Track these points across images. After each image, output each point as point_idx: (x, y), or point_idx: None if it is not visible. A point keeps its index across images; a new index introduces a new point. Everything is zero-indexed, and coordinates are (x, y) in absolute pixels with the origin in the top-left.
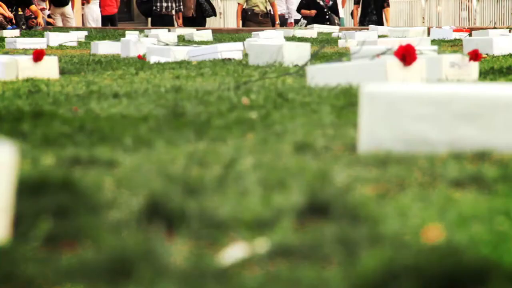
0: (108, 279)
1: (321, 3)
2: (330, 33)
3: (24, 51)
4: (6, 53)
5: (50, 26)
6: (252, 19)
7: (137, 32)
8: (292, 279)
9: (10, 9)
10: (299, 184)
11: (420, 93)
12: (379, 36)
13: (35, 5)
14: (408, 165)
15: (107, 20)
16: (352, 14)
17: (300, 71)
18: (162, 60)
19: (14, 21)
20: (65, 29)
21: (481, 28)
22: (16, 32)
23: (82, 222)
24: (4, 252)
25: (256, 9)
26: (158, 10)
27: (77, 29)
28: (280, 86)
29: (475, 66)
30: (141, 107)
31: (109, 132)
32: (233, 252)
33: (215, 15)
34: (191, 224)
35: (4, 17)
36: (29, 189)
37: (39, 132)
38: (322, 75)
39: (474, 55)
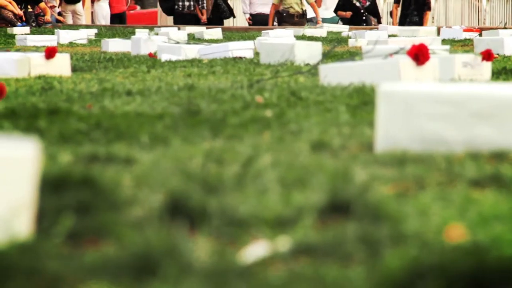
0: (132, 276)
1: (358, 4)
2: (339, 32)
3: (36, 49)
4: (18, 50)
5: (59, 23)
6: (288, 20)
7: (147, 30)
8: (316, 277)
9: (20, 6)
10: (319, 183)
11: (437, 93)
12: (389, 36)
13: (45, 3)
14: (426, 164)
15: (116, 18)
16: (391, 13)
17: (312, 69)
18: (173, 58)
19: (24, 18)
20: (75, 26)
21: (491, 28)
22: (26, 29)
23: (104, 219)
24: (28, 248)
25: (292, 10)
26: (180, 9)
27: (87, 26)
28: (293, 85)
29: (487, 66)
30: (155, 105)
31: (126, 130)
32: (255, 250)
33: (233, 16)
34: (212, 222)
35: (14, 14)
36: (50, 186)
37: (56, 129)
38: (335, 74)
39: (487, 55)
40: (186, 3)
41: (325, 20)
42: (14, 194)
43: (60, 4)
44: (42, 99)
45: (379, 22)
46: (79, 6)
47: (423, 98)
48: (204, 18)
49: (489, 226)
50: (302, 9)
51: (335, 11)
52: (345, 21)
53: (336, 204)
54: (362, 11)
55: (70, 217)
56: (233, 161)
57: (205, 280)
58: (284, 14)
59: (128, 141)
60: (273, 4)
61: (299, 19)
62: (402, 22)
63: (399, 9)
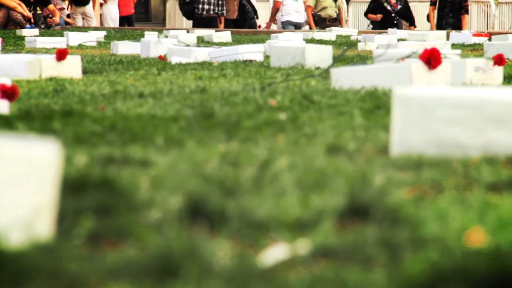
0: (154, 278)
1: (389, 7)
2: (349, 36)
3: (46, 50)
4: (28, 52)
5: (68, 26)
6: (320, 25)
7: (156, 33)
8: (337, 281)
9: (29, 8)
10: (337, 186)
11: (452, 97)
12: (398, 40)
13: (54, 5)
14: (442, 168)
15: (124, 20)
16: (428, 17)
17: (324, 73)
18: (183, 61)
19: (33, 20)
20: (83, 28)
21: (500, 33)
22: (35, 31)
23: (123, 221)
24: (49, 250)
25: (323, 14)
26: (200, 12)
27: (96, 29)
28: (304, 88)
29: (499, 70)
30: (167, 107)
31: (140, 132)
32: (275, 253)
33: (257, 17)
34: (231, 225)
35: (23, 16)
36: (69, 187)
37: (70, 131)
38: (346, 78)
39: (499, 60)
40: (206, 7)
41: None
42: (35, 195)
43: (69, 6)
44: (55, 100)
45: (412, 25)
46: (89, 8)
47: (439, 102)
48: (221, 25)
49: (509, 231)
50: (336, 12)
51: (365, 14)
52: (375, 25)
53: (355, 207)
54: (393, 14)
55: (90, 218)
56: (249, 164)
57: (226, 282)
58: (316, 18)
59: (143, 143)
60: (309, 6)
61: (332, 23)
62: (438, 25)
63: (436, 11)
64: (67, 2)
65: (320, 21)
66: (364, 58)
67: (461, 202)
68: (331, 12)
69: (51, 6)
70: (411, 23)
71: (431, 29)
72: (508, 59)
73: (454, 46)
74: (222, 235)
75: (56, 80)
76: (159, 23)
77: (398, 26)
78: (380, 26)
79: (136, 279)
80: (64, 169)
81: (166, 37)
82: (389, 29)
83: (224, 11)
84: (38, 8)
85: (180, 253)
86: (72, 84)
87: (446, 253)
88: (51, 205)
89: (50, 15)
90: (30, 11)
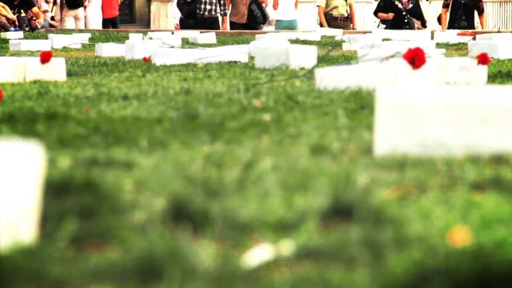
0: (137, 280)
1: (400, 6)
2: (333, 36)
3: (31, 53)
4: (13, 55)
5: (53, 28)
6: (331, 24)
7: (140, 35)
8: (321, 281)
9: (13, 11)
10: (321, 186)
11: (436, 96)
12: (383, 40)
13: (38, 7)
14: (426, 168)
15: (108, 22)
16: (439, 18)
17: (309, 73)
18: (168, 62)
19: (17, 23)
20: (68, 31)
21: (485, 32)
22: (20, 34)
23: (107, 223)
24: (32, 253)
25: (335, 13)
26: (201, 13)
27: (80, 31)
28: (289, 89)
29: (483, 69)
30: (152, 109)
31: (124, 134)
32: (259, 254)
33: (264, 21)
34: (215, 226)
35: (7, 19)
36: (52, 190)
37: (54, 133)
38: (331, 78)
39: (483, 59)
40: (208, 7)
41: (281, 23)
42: (18, 198)
43: (53, 9)
44: (39, 103)
45: (423, 25)
46: (80, 10)
47: (423, 102)
48: (224, 26)
49: (492, 230)
50: (347, 11)
51: (375, 13)
52: (387, 24)
53: (339, 207)
54: (404, 13)
55: (73, 221)
56: (233, 165)
57: (210, 284)
58: (327, 17)
59: (127, 145)
60: (319, 6)
61: (343, 22)
62: (450, 27)
63: (448, 13)
64: (51, 5)
65: (332, 21)
66: (349, 58)
67: (445, 201)
68: (343, 11)
69: (35, 9)
70: (423, 23)
71: (442, 30)
72: (492, 58)
73: (438, 45)
74: (206, 236)
75: (40, 83)
76: (144, 25)
77: (410, 25)
78: (391, 25)
79: (119, 281)
80: (47, 171)
81: (151, 38)
82: (374, 29)
83: (227, 11)
84: (22, 11)
85: (163, 255)
86: (57, 87)
87: (430, 252)
88: (34, 208)
89: (34, 18)
90: (14, 13)
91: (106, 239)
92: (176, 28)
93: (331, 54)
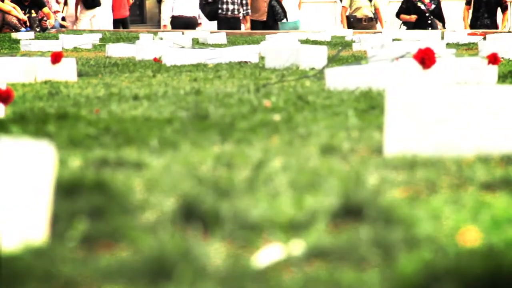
0: (148, 280)
1: (422, 7)
2: (343, 37)
3: (42, 54)
4: (24, 55)
5: (63, 28)
6: (356, 25)
7: (151, 35)
8: (331, 281)
9: (24, 12)
10: (331, 186)
11: (446, 97)
12: (393, 40)
13: (49, 8)
14: (436, 168)
15: (119, 23)
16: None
17: (319, 74)
18: (179, 62)
19: (28, 23)
20: (79, 31)
21: (495, 32)
22: (31, 34)
23: (117, 223)
24: (43, 252)
25: (359, 14)
26: (224, 13)
27: (91, 31)
28: (299, 89)
29: (493, 69)
30: (162, 109)
31: (135, 134)
32: (269, 254)
33: (287, 19)
34: (225, 226)
35: (18, 19)
36: (63, 190)
37: (65, 134)
38: (341, 78)
39: (493, 59)
40: (230, 7)
41: (285, 24)
42: (29, 198)
43: (76, 9)
44: (50, 104)
45: (444, 26)
46: (97, 9)
47: (433, 101)
48: (247, 26)
49: (503, 230)
50: (371, 11)
51: (397, 14)
52: (409, 26)
53: (349, 207)
54: (427, 14)
55: (84, 221)
56: (243, 165)
57: (220, 284)
58: (351, 20)
59: (138, 145)
60: (342, 7)
61: (368, 23)
62: (473, 25)
63: (471, 11)
64: (62, 5)
65: (356, 22)
66: (359, 59)
67: (455, 201)
68: (367, 12)
69: (46, 9)
70: (444, 24)
71: (465, 28)
72: (503, 58)
73: (448, 45)
74: (216, 236)
75: (51, 83)
76: (154, 25)
77: (433, 26)
78: (414, 26)
79: (130, 281)
80: (58, 172)
81: (161, 39)
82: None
83: (249, 11)
84: (33, 11)
85: (173, 255)
86: (67, 87)
87: (440, 252)
88: (45, 208)
89: (45, 18)
90: (25, 14)
91: (117, 239)
92: (163, 28)
93: (341, 54)
